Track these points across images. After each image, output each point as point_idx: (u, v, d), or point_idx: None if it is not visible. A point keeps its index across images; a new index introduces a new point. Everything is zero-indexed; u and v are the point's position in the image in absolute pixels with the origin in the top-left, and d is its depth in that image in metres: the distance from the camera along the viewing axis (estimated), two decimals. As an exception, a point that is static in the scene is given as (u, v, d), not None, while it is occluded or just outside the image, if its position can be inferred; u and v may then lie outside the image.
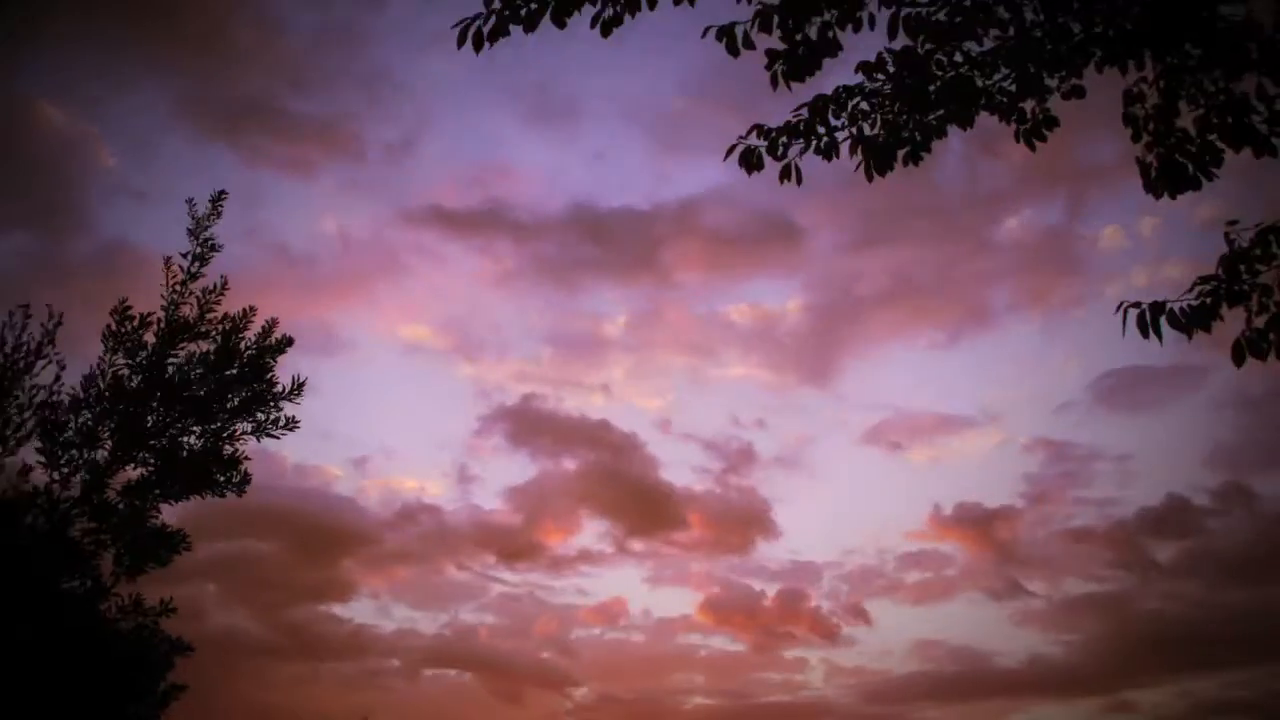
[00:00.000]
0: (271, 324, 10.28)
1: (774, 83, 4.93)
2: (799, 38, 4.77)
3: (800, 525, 32.80)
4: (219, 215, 10.33)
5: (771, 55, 4.86)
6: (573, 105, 33.72)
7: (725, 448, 31.18)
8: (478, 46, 4.54)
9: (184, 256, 10.16)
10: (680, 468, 36.47)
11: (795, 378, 33.37)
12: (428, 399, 33.72)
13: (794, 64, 4.85)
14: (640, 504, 29.26)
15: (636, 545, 30.00)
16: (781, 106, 4.99)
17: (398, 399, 33.01)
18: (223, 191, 10.34)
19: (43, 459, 9.41)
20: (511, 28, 4.51)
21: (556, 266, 32.00)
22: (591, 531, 31.32)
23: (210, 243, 10.21)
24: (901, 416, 32.22)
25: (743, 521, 29.39)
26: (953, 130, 4.90)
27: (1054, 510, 29.52)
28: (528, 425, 30.19)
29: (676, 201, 33.22)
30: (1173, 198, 4.82)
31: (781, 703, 27.15)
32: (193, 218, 10.24)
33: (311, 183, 31.40)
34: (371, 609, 29.25)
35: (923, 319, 33.74)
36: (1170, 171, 4.78)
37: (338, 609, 27.49)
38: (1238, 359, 4.53)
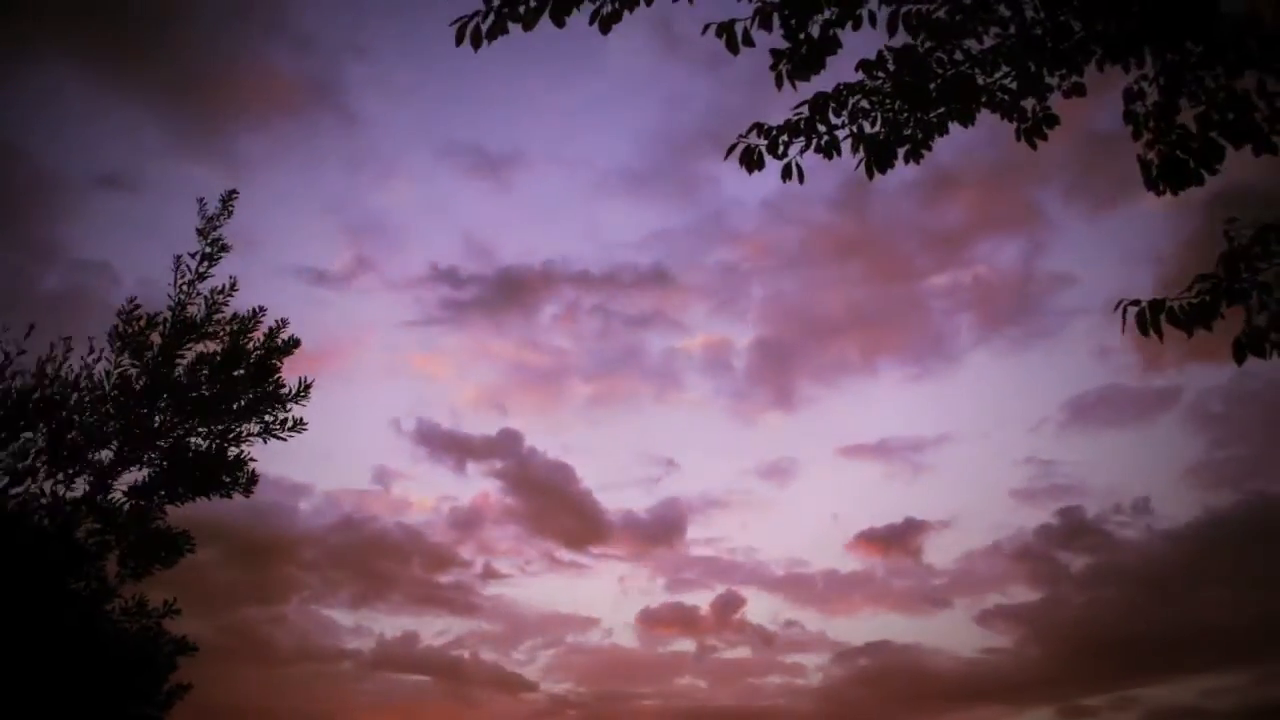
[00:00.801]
0: (280, 324, 10.53)
1: (779, 82, 5.11)
2: (802, 36, 4.96)
3: (756, 538, 34.35)
4: (229, 215, 10.58)
5: (776, 54, 5.05)
6: (517, 159, 36.18)
7: (663, 469, 33.74)
8: (476, 44, 4.71)
9: (192, 257, 10.44)
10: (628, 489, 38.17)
11: (763, 406, 35.89)
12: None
13: (798, 62, 5.04)
14: (579, 520, 31.84)
15: (582, 558, 32.13)
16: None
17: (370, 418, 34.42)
18: (233, 190, 10.59)
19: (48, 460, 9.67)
20: (511, 26, 4.69)
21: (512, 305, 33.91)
22: (538, 544, 33.05)
23: (219, 243, 10.47)
24: (868, 441, 34.56)
25: (669, 532, 31.82)
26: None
27: (1013, 523, 30.97)
28: (472, 448, 32.36)
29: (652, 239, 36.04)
30: (1174, 194, 4.97)
31: (731, 706, 28.87)
32: (202, 217, 10.51)
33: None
34: (330, 614, 30.39)
35: (888, 352, 36.52)
36: (1171, 167, 4.93)
37: (292, 613, 28.52)
38: (1239, 357, 4.67)
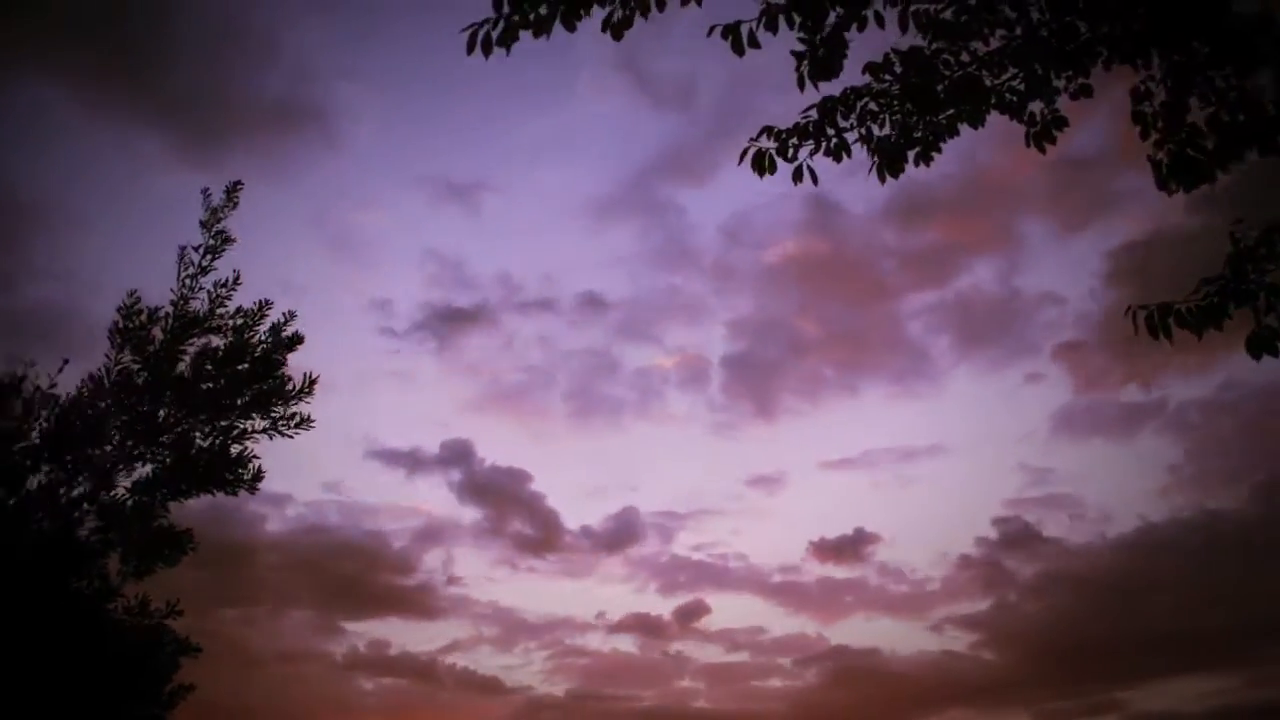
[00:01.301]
0: (286, 317, 10.68)
1: (801, 84, 5.26)
2: (819, 38, 5.10)
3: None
4: (234, 206, 10.74)
5: (798, 56, 5.20)
6: (488, 187, 37.40)
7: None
8: (487, 51, 4.82)
9: (195, 250, 10.61)
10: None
11: (745, 422, 37.16)
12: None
13: (816, 64, 5.19)
14: (561, 530, 33.25)
15: (571, 563, 33.55)
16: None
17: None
18: (238, 182, 10.76)
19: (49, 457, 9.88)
20: (521, 33, 4.81)
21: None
22: (518, 553, 34.02)
23: (223, 235, 10.64)
24: (851, 455, 35.89)
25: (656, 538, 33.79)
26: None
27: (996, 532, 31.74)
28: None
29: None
30: (1186, 192, 5.12)
31: (709, 709, 30.00)
32: (206, 209, 10.68)
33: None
34: (305, 617, 31.03)
35: (871, 372, 37.81)
36: (1182, 166, 5.07)
37: (267, 616, 29.22)
38: (1254, 355, 4.84)
